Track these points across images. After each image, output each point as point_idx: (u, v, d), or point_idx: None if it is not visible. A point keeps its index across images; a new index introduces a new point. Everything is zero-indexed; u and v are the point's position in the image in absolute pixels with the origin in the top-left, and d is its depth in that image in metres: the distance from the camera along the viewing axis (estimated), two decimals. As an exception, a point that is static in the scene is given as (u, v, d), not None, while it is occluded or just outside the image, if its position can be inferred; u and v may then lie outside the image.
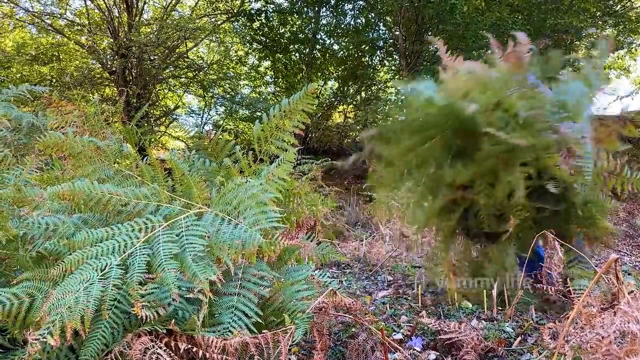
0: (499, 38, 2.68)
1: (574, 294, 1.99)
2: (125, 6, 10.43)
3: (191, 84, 12.60)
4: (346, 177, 11.38)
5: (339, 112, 14.07)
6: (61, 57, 11.11)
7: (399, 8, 9.87)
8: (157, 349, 1.36)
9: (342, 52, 12.57)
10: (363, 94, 13.03)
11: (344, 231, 5.50)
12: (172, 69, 11.91)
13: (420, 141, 2.40)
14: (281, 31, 12.08)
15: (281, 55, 12.44)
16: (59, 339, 1.19)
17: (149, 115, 11.30)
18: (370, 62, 12.49)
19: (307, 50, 12.19)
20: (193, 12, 12.14)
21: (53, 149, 1.79)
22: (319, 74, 12.72)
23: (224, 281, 1.46)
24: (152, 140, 10.94)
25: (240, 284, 1.65)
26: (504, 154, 2.23)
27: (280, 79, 13.10)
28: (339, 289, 1.88)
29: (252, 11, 11.36)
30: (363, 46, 11.81)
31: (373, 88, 13.20)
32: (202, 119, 13.50)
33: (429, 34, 10.62)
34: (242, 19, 11.69)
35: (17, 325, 1.36)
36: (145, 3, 11.03)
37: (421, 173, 2.56)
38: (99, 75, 11.34)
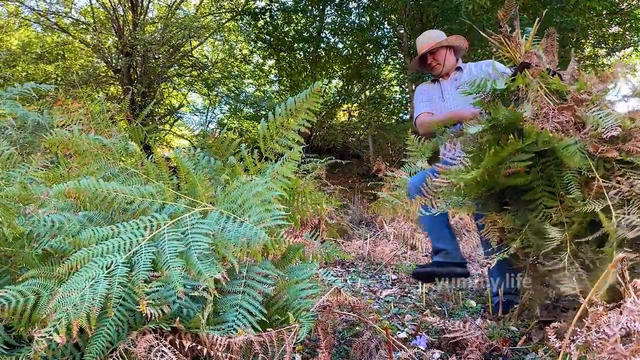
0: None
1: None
2: (130, 5, 10.47)
3: (196, 83, 12.65)
4: (350, 175, 11.39)
5: (343, 110, 14.08)
6: (66, 55, 11.18)
7: (404, 6, 9.83)
8: (161, 346, 1.36)
9: (346, 51, 12.57)
10: (367, 93, 13.03)
11: (348, 230, 5.49)
12: (177, 67, 11.96)
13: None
14: (286, 30, 12.10)
15: (285, 54, 12.46)
16: (65, 336, 1.19)
17: (153, 114, 11.36)
18: (374, 61, 12.47)
19: (312, 48, 12.20)
20: (198, 10, 12.17)
21: (59, 147, 1.79)
22: (324, 72, 12.73)
23: (228, 279, 1.46)
24: (157, 138, 11.00)
25: (245, 282, 1.64)
26: None
27: (284, 78, 13.12)
28: (343, 287, 1.88)
29: (257, 10, 11.39)
30: (367, 45, 11.79)
31: (377, 87, 13.19)
32: (206, 118, 13.56)
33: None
34: (247, 17, 11.71)
35: (23, 323, 1.36)
36: (150, 2, 11.07)
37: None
38: (104, 74, 11.40)
